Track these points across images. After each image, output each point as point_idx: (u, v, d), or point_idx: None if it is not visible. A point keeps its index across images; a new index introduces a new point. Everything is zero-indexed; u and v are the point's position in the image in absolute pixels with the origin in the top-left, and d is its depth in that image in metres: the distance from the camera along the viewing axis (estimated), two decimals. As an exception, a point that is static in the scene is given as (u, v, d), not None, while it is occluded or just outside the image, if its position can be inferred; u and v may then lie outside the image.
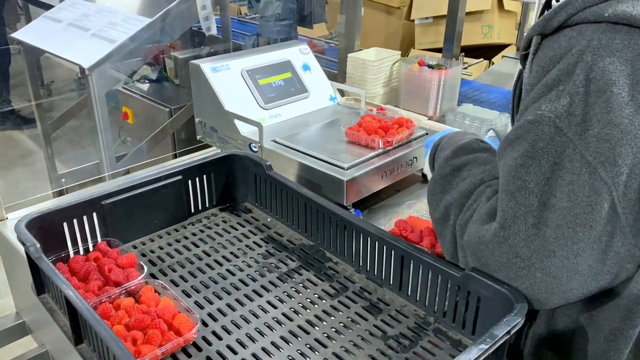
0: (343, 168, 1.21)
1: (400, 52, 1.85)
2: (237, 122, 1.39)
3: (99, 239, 1.09)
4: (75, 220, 1.05)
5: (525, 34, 2.73)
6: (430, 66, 1.78)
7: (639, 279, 0.75)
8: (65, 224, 1.04)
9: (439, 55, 2.30)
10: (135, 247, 1.14)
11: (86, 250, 1.08)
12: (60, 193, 2.53)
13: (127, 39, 2.13)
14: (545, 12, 0.76)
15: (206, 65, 1.43)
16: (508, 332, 0.77)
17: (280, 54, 1.57)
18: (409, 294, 0.99)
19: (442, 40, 3.59)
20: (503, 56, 2.80)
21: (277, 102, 1.47)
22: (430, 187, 0.95)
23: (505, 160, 0.76)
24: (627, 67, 0.67)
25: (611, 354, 0.79)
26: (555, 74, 0.71)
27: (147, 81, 2.71)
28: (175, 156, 2.38)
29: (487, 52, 3.33)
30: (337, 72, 2.12)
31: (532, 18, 2.81)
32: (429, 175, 1.06)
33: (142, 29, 2.16)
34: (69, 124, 2.87)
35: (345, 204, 1.20)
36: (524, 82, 0.79)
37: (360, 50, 1.94)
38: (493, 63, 3.23)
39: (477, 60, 2.54)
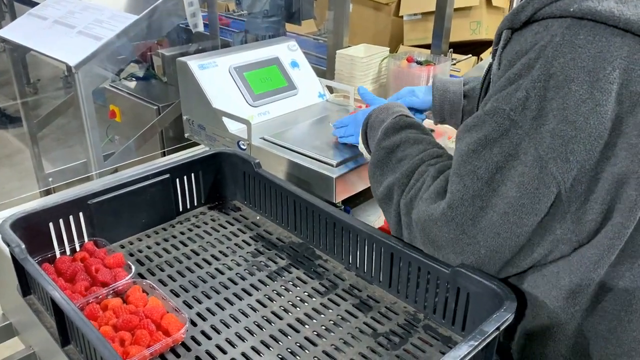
0: (332, 165, 1.20)
1: (389, 49, 1.85)
2: (225, 119, 1.38)
3: (86, 239, 1.08)
4: (61, 220, 1.04)
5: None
6: (419, 62, 1.77)
7: (583, 260, 0.78)
8: (51, 224, 1.02)
9: (428, 51, 2.30)
10: (122, 247, 1.12)
11: (73, 251, 1.06)
12: (47, 192, 2.51)
13: (113, 36, 2.10)
14: (514, 6, 0.78)
15: (193, 63, 1.41)
16: (497, 328, 0.77)
17: (268, 50, 1.56)
18: (399, 290, 0.99)
19: (431, 36, 3.60)
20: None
21: (265, 100, 1.46)
22: (370, 171, 1.00)
23: (460, 144, 0.80)
24: (588, 64, 0.68)
25: (556, 334, 0.84)
26: (517, 68, 0.72)
27: (134, 79, 2.68)
28: (163, 154, 2.37)
29: (476, 48, 3.33)
30: (325, 68, 2.12)
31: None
32: (365, 153, 1.13)
33: (129, 26, 2.14)
34: (56, 122, 2.84)
35: (334, 201, 1.20)
36: (492, 74, 0.81)
37: (349, 47, 1.93)
38: (482, 59, 3.24)
39: (465, 57, 2.54)
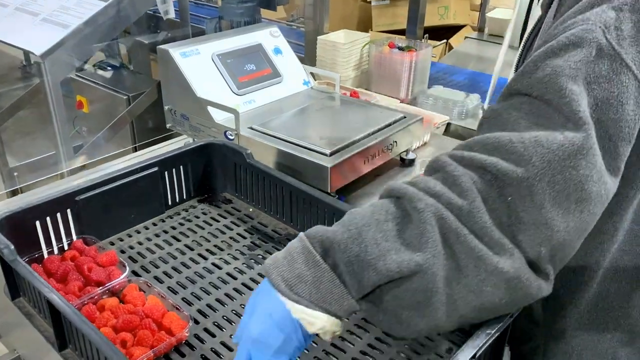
0: (326, 154, 1.18)
1: (369, 34, 1.83)
2: (210, 109, 1.34)
3: (74, 237, 1.03)
4: (48, 218, 0.99)
5: (487, 14, 2.75)
6: (400, 48, 1.76)
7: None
8: (37, 223, 0.97)
9: (397, 37, 2.29)
10: (112, 244, 1.08)
11: (61, 250, 1.02)
12: (14, 191, 2.40)
13: (81, 23, 2.02)
14: None
15: (175, 50, 1.37)
16: (511, 316, 0.77)
17: (250, 37, 1.51)
18: (402, 280, 0.98)
19: (399, 22, 3.60)
20: (465, 37, 2.81)
21: (250, 88, 1.43)
22: (385, 267, 0.64)
23: (552, 70, 0.67)
24: None
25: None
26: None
27: (101, 68, 2.59)
28: (135, 149, 2.29)
29: (443, 33, 3.35)
30: (303, 55, 2.08)
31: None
32: (329, 325, 0.68)
33: (97, 13, 2.06)
34: (17, 114, 2.72)
35: (329, 191, 1.18)
36: (546, 22, 0.78)
37: (328, 33, 1.90)
38: (450, 44, 3.26)
39: (440, 42, 2.54)
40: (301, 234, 0.70)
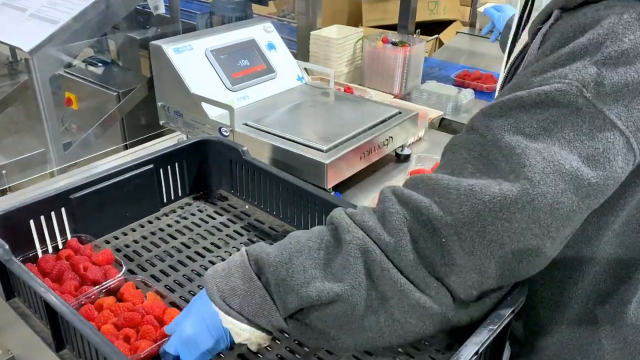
0: (322, 151, 1.18)
1: (362, 30, 1.82)
2: (204, 105, 1.32)
3: (69, 236, 1.02)
4: (42, 217, 0.97)
5: (477, 9, 2.74)
6: (394, 43, 1.76)
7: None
8: (32, 222, 0.96)
9: (390, 32, 2.29)
10: (107, 242, 1.07)
11: (55, 249, 1.00)
12: (2, 190, 2.37)
13: (70, 19, 2.00)
14: None
15: (168, 46, 1.35)
16: (513, 312, 0.77)
17: (243, 32, 1.50)
18: (401, 276, 0.97)
19: (390, 17, 3.59)
20: (457, 32, 2.81)
21: (244, 84, 1.42)
22: (313, 294, 0.67)
23: (514, 120, 0.68)
24: None
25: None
26: (583, 44, 0.68)
27: (91, 64, 2.56)
28: (126, 147, 2.27)
29: (433, 28, 3.35)
30: (295, 50, 2.07)
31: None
32: (254, 337, 0.72)
33: (86, 8, 2.03)
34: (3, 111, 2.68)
35: (326, 187, 1.18)
36: (530, 52, 0.77)
37: (320, 28, 1.89)
38: (440, 39, 3.26)
39: (431, 37, 2.54)
40: (243, 249, 0.74)
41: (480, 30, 2.75)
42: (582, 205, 0.65)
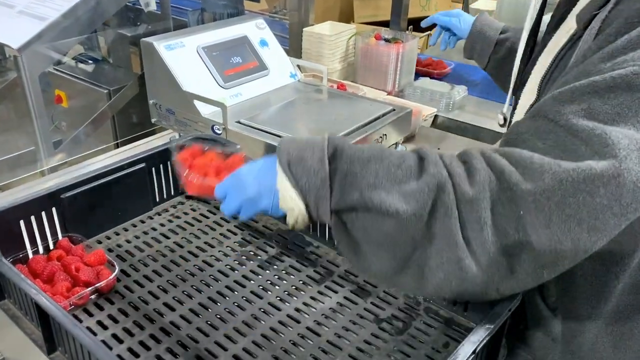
0: (316, 148, 1.16)
1: (355, 26, 1.81)
2: (197, 103, 1.31)
3: (60, 236, 1.00)
4: (32, 217, 0.96)
5: (470, 5, 2.73)
6: (387, 40, 1.75)
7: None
8: (22, 222, 0.94)
9: (383, 29, 2.28)
10: (99, 242, 1.05)
11: (46, 249, 0.99)
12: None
13: (59, 16, 1.97)
14: None
15: (159, 43, 1.34)
16: (509, 310, 0.77)
17: (235, 29, 1.49)
18: (396, 274, 0.97)
19: (382, 13, 3.58)
20: (449, 28, 2.80)
21: (237, 81, 1.40)
22: (371, 199, 0.67)
23: (589, 104, 0.65)
24: None
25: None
26: None
27: (81, 62, 2.53)
28: (117, 145, 2.25)
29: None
30: (287, 47, 2.06)
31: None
32: (298, 212, 0.73)
33: (76, 5, 2.00)
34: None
35: (320, 185, 1.16)
36: (585, 40, 0.74)
37: (313, 25, 1.88)
38: (430, 35, 3.25)
39: (424, 34, 2.53)
40: (325, 134, 0.74)
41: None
42: None
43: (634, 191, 0.61)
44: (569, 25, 0.83)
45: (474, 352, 0.70)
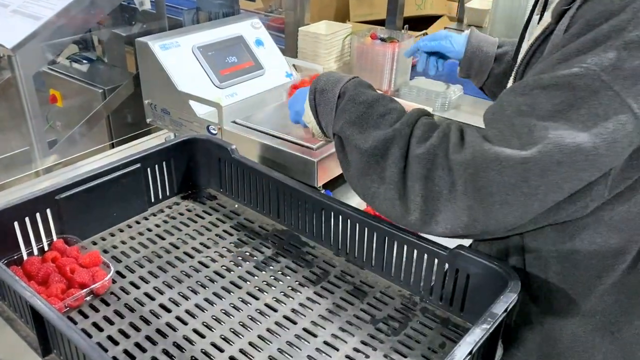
0: (312, 148, 1.16)
1: (351, 26, 1.81)
2: (192, 103, 1.31)
3: (55, 237, 1.00)
4: (27, 219, 0.95)
5: (465, 4, 2.74)
6: (382, 39, 1.75)
7: (609, 240, 0.78)
8: (16, 223, 0.94)
9: (379, 28, 2.28)
10: (94, 244, 1.05)
11: (41, 250, 0.98)
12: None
13: (53, 15, 1.96)
14: None
15: (154, 43, 1.33)
16: (506, 310, 0.77)
17: (230, 29, 1.48)
18: (393, 274, 0.97)
19: (377, 12, 3.57)
20: (445, 27, 2.81)
21: (232, 81, 1.40)
22: (346, 129, 0.87)
23: (533, 98, 0.73)
24: None
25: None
26: (607, 30, 0.69)
27: (75, 61, 2.52)
28: (112, 146, 2.24)
29: (421, 23, 3.34)
30: (283, 47, 2.05)
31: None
32: (313, 126, 0.98)
33: (70, 4, 1.99)
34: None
35: (316, 186, 1.16)
36: (556, 34, 0.77)
37: (308, 24, 1.88)
38: (427, 34, 3.25)
39: (419, 33, 2.53)
40: (352, 76, 0.95)
41: (468, 25, 2.75)
42: (573, 176, 0.71)
43: (541, 177, 0.70)
44: (546, 19, 0.85)
45: (470, 352, 0.70)
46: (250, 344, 0.85)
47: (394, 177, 0.80)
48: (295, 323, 0.89)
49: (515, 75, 0.89)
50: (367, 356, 0.83)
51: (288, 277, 0.98)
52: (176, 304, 0.91)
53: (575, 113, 0.69)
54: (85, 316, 0.88)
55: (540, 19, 0.90)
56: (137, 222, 1.11)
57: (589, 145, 0.69)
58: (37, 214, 0.96)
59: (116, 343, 0.83)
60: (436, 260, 0.90)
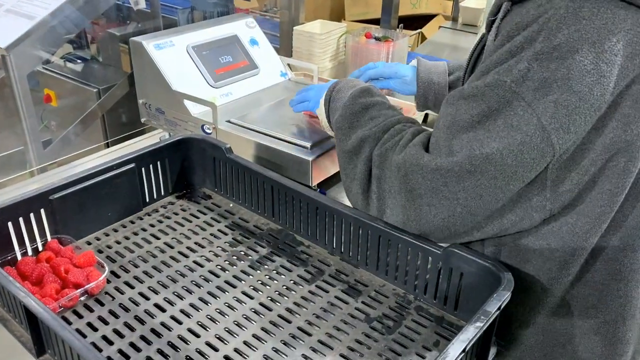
0: (307, 148, 1.17)
1: (345, 25, 1.81)
2: (187, 102, 1.31)
3: (49, 237, 1.00)
4: (21, 219, 0.95)
5: (460, 4, 2.75)
6: (377, 38, 1.75)
7: (575, 230, 0.80)
8: (10, 224, 0.94)
9: (373, 27, 2.28)
10: (89, 244, 1.05)
11: (35, 251, 0.98)
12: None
13: (47, 15, 1.96)
14: None
15: (148, 42, 1.33)
16: (499, 308, 0.77)
17: (225, 28, 1.48)
18: (387, 273, 0.97)
19: (372, 11, 3.58)
20: (440, 26, 2.81)
21: (227, 80, 1.40)
22: (339, 122, 0.98)
23: (456, 109, 0.78)
24: (592, 36, 0.67)
25: (549, 299, 0.86)
26: (519, 41, 0.71)
27: (70, 60, 2.52)
28: (107, 145, 2.24)
29: (416, 22, 3.35)
30: (278, 46, 2.06)
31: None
32: (323, 119, 1.09)
33: (64, 3, 1.99)
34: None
35: (311, 185, 1.17)
36: (487, 45, 0.80)
37: (303, 23, 1.88)
38: (423, 34, 3.26)
39: (414, 32, 2.54)
40: (364, 83, 1.08)
41: (463, 24, 2.75)
42: (488, 184, 0.75)
43: (457, 183, 0.76)
44: (482, 30, 0.91)
45: (463, 350, 0.70)
46: (245, 343, 0.85)
47: (360, 174, 0.91)
48: (290, 322, 0.89)
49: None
50: (361, 355, 0.83)
51: (283, 276, 0.98)
52: (171, 303, 0.92)
53: (493, 123, 0.73)
54: (80, 316, 0.88)
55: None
56: (132, 222, 1.11)
57: (497, 155, 0.73)
58: (31, 214, 0.96)
59: (111, 343, 0.83)
60: (430, 259, 0.90)
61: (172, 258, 1.02)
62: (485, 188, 0.76)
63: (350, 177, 0.94)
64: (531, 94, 0.70)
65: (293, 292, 0.95)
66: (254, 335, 0.86)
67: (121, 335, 0.84)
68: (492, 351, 0.85)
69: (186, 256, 1.02)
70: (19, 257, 0.96)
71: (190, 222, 1.12)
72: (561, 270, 0.82)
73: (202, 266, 1.00)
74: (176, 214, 1.14)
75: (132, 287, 0.94)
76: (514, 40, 0.72)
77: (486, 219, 0.80)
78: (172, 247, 1.05)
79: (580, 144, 0.73)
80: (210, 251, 1.04)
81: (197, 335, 0.86)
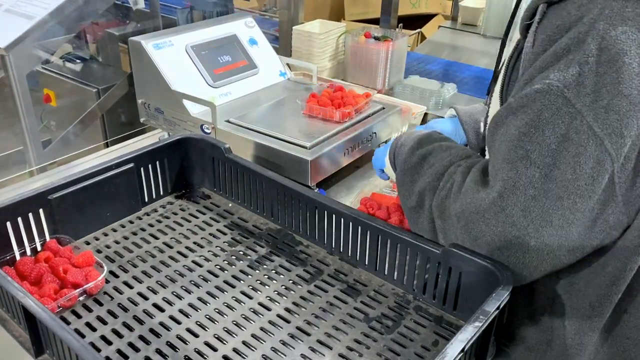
0: (306, 147, 1.16)
1: (345, 25, 1.81)
2: (186, 102, 1.31)
3: (48, 237, 0.99)
4: (20, 219, 0.95)
5: (460, 3, 2.73)
6: (376, 38, 1.75)
7: (625, 244, 0.76)
8: (9, 224, 0.94)
9: (373, 27, 2.28)
10: (88, 244, 1.05)
11: (34, 251, 0.98)
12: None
13: (47, 14, 1.95)
14: None
15: (147, 42, 1.33)
16: (498, 308, 0.77)
17: (224, 28, 1.48)
18: (386, 273, 0.97)
19: (372, 11, 3.59)
20: (439, 26, 2.81)
21: (226, 80, 1.40)
22: (400, 178, 0.95)
23: (506, 128, 0.74)
24: (638, 37, 0.65)
25: (595, 320, 0.81)
26: (565, 43, 0.68)
27: (69, 60, 2.51)
28: (107, 145, 2.24)
29: (415, 22, 3.35)
30: (277, 45, 2.05)
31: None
32: (390, 172, 1.06)
33: (63, 3, 1.99)
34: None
35: (309, 185, 1.17)
36: (525, 52, 0.76)
37: (303, 23, 1.88)
38: (422, 33, 3.26)
39: (414, 31, 2.54)
40: (422, 133, 1.00)
41: (463, 24, 2.75)
42: (554, 205, 0.71)
43: (524, 216, 0.72)
44: (515, 34, 0.84)
45: (462, 350, 0.70)
46: (244, 342, 0.85)
47: (427, 228, 0.89)
48: (288, 322, 0.89)
49: (500, 96, 0.87)
50: (360, 354, 0.83)
51: (282, 276, 0.98)
52: (170, 303, 0.91)
53: (541, 135, 0.70)
54: (79, 316, 0.88)
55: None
56: (131, 222, 1.11)
57: (556, 172, 0.69)
58: (30, 214, 0.96)
59: (109, 343, 0.83)
60: (429, 259, 0.90)
61: (171, 258, 1.02)
62: (553, 212, 0.71)
63: (420, 231, 0.91)
64: (582, 100, 0.67)
65: (292, 292, 0.95)
66: (252, 335, 0.86)
67: (120, 335, 0.84)
68: (491, 351, 0.85)
69: (185, 256, 1.02)
70: (18, 257, 0.95)
71: (189, 222, 1.12)
72: (612, 285, 0.79)
73: (201, 266, 1.00)
74: (175, 213, 1.14)
75: (131, 287, 0.94)
76: (559, 43, 0.69)
77: (565, 248, 0.74)
78: (171, 247, 1.04)
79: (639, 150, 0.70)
80: (209, 251, 1.04)
81: (196, 335, 0.86)
